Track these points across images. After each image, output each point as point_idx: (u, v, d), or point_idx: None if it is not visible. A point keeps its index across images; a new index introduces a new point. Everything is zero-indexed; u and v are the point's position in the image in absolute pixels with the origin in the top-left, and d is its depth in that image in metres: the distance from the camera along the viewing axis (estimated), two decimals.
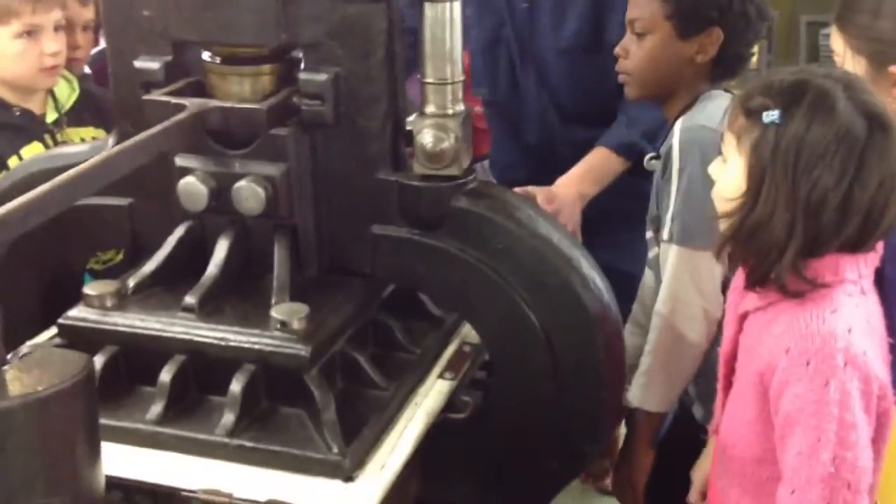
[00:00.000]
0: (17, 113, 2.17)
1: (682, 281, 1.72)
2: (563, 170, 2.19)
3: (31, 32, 2.14)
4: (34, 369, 0.90)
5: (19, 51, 2.13)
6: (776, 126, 1.29)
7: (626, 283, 1.78)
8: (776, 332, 1.32)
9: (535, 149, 2.37)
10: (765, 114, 1.30)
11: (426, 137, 1.34)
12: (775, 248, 1.29)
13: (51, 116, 2.24)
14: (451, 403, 1.43)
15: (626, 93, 1.90)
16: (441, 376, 1.46)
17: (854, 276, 1.32)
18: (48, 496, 0.89)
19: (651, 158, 1.91)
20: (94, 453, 0.96)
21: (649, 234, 1.89)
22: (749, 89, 1.36)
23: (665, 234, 1.76)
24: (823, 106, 1.28)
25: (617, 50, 1.87)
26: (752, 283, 1.35)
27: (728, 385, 1.46)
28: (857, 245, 1.32)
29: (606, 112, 2.18)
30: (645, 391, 1.78)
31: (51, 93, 2.28)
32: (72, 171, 1.08)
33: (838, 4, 1.71)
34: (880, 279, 1.42)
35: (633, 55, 1.84)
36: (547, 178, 2.14)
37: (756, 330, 1.38)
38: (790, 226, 1.28)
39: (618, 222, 2.16)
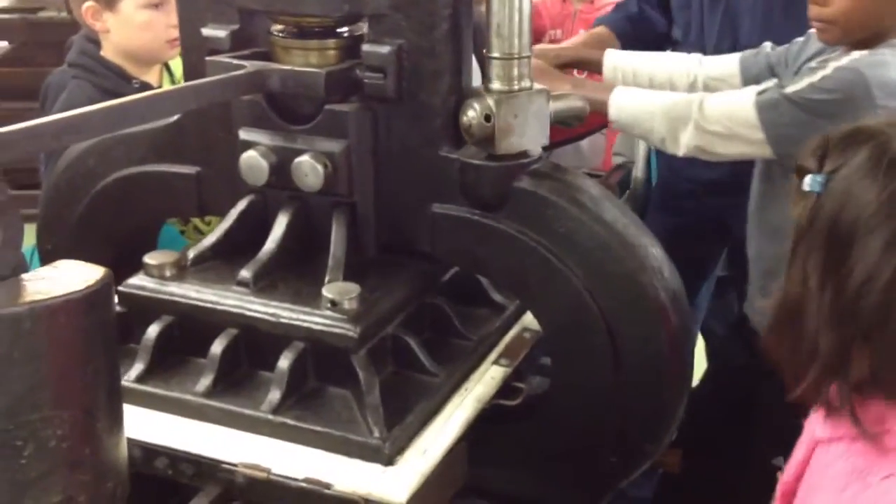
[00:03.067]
0: (136, 85, 2.18)
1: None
2: None
3: (157, 4, 2.16)
4: (51, 279, 0.88)
5: (145, 21, 2.14)
6: None
7: None
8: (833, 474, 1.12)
9: None
10: None
11: (466, 111, 1.30)
12: None
13: None
14: (505, 390, 1.39)
15: (824, 39, 1.87)
16: (496, 362, 1.42)
17: None
18: (56, 409, 0.85)
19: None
20: (110, 370, 0.92)
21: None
22: None
23: (791, 89, 1.79)
24: None
25: None
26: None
27: None
28: None
29: None
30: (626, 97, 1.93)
31: (166, 66, 2.30)
32: (117, 101, 1.09)
33: None
34: None
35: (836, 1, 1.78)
36: None
37: (823, 466, 1.18)
38: None
39: None
